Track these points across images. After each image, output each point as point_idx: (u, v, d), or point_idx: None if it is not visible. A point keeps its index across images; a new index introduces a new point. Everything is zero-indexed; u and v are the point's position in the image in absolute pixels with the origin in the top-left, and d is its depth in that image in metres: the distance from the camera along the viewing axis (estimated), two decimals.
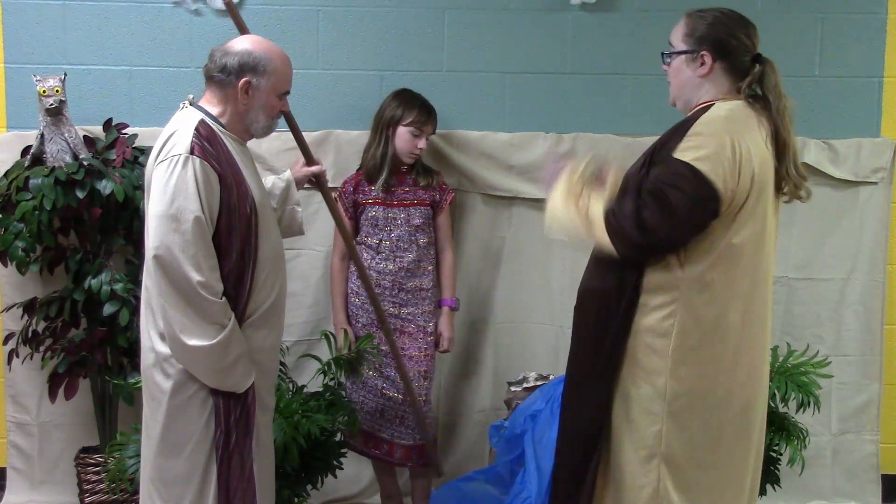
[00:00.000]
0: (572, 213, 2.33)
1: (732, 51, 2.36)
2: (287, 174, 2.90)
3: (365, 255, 3.42)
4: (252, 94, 2.50)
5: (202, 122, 2.47)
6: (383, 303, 3.36)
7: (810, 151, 3.72)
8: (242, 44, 2.52)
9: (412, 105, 3.40)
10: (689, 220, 2.23)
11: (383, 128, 3.41)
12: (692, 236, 2.26)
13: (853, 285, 3.81)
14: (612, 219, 2.27)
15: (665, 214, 2.22)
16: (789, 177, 2.38)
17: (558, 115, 3.74)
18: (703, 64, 2.37)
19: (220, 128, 2.51)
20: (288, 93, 2.61)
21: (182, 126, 2.45)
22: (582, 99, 3.74)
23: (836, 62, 3.74)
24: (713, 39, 2.36)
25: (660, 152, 2.30)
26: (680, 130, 2.29)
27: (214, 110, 2.52)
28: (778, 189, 2.41)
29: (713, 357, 2.31)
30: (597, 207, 2.31)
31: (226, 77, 2.49)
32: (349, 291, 3.48)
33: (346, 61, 3.70)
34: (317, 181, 2.96)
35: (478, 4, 3.69)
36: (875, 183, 3.77)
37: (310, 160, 2.94)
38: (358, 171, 3.50)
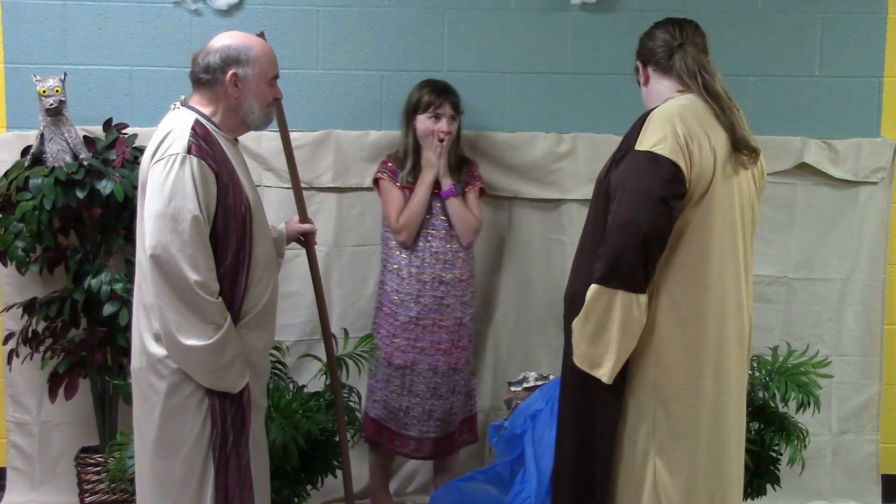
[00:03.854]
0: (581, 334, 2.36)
1: (653, 51, 2.47)
2: (281, 227, 2.90)
3: (402, 249, 3.44)
4: (241, 84, 2.50)
5: (197, 121, 2.46)
6: (423, 297, 3.41)
7: (810, 151, 3.72)
8: (220, 41, 2.52)
9: (424, 90, 3.43)
10: (663, 204, 2.25)
11: (406, 120, 3.47)
12: (672, 221, 2.28)
13: (853, 285, 3.81)
14: (599, 262, 2.28)
15: (642, 204, 2.24)
16: (739, 146, 2.38)
17: (558, 115, 3.74)
18: (640, 74, 2.51)
19: (214, 127, 2.50)
20: (277, 77, 2.60)
21: (178, 125, 2.44)
22: (582, 99, 3.74)
23: (836, 62, 3.74)
24: (641, 49, 2.52)
25: (620, 150, 2.36)
26: (637, 125, 2.36)
27: (206, 110, 2.52)
28: (743, 166, 2.41)
29: (696, 345, 2.33)
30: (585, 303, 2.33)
31: (212, 76, 2.49)
32: (389, 290, 3.48)
33: (346, 61, 3.70)
34: (305, 240, 2.96)
35: (478, 4, 3.69)
36: (875, 183, 3.77)
37: (303, 218, 2.95)
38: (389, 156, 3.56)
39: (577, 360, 2.36)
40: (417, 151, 3.45)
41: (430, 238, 3.43)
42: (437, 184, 3.42)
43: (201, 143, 2.41)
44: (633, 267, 2.24)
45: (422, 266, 3.42)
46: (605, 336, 2.28)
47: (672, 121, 2.30)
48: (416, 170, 3.44)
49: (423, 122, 3.41)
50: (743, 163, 2.39)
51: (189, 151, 2.38)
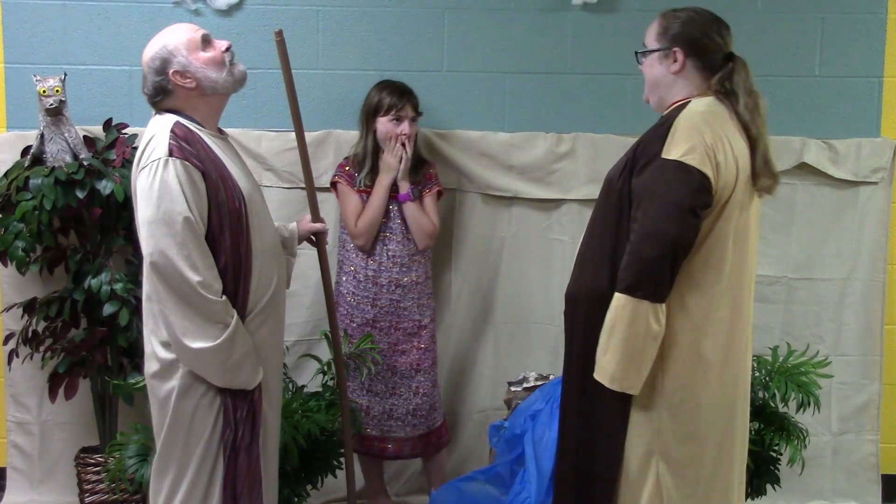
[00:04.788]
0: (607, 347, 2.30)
1: (704, 48, 2.39)
2: (292, 226, 2.89)
3: (359, 252, 3.45)
4: (187, 73, 2.48)
5: (177, 123, 2.46)
6: (380, 300, 3.41)
7: (810, 151, 3.72)
8: (144, 60, 2.51)
9: (384, 92, 3.43)
10: (692, 215, 2.23)
11: (365, 121, 3.47)
12: (698, 230, 2.26)
13: (853, 285, 3.81)
14: (625, 271, 2.25)
15: (672, 215, 2.21)
16: (761, 173, 2.38)
17: (558, 115, 3.74)
18: (675, 61, 2.40)
19: (196, 125, 2.49)
20: (206, 37, 2.53)
21: (159, 130, 2.44)
22: (582, 99, 3.74)
23: (836, 62, 3.74)
24: (685, 37, 2.40)
25: (643, 155, 2.31)
26: (661, 131, 2.32)
27: (183, 112, 2.52)
28: (765, 189, 2.42)
29: (706, 353, 2.32)
30: (609, 318, 2.29)
31: (164, 90, 2.49)
32: (345, 292, 3.49)
33: (346, 61, 3.70)
34: (317, 239, 2.95)
35: (478, 4, 3.69)
36: (875, 183, 3.77)
37: (315, 217, 2.94)
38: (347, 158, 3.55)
39: (600, 374, 2.31)
40: (376, 154, 3.44)
41: (387, 241, 3.43)
42: (394, 187, 3.42)
43: (182, 144, 2.41)
44: (661, 277, 2.23)
45: (378, 269, 3.42)
46: (630, 347, 2.25)
47: (700, 129, 2.27)
48: (374, 172, 3.43)
49: (384, 124, 3.40)
50: (766, 187, 2.39)
51: (171, 154, 2.38)
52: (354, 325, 3.45)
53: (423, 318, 3.49)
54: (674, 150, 2.25)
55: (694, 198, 2.23)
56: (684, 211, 2.22)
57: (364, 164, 3.45)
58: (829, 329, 3.82)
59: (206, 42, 2.53)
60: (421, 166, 3.50)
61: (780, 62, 3.72)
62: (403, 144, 3.38)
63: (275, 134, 3.68)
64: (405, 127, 3.39)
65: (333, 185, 3.52)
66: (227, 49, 2.55)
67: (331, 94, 3.71)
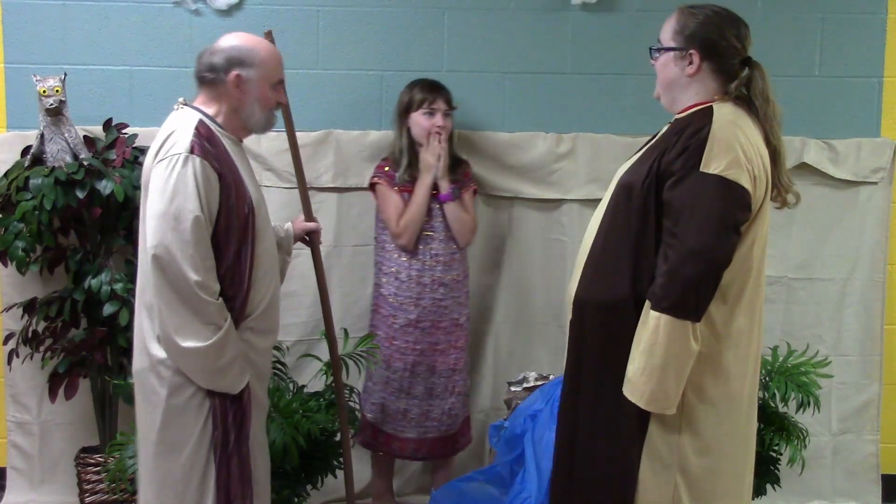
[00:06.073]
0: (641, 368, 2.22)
1: (721, 52, 2.30)
2: (288, 225, 2.90)
3: (401, 252, 3.43)
4: (243, 86, 2.49)
5: (201, 121, 2.46)
6: (423, 300, 3.42)
7: (810, 151, 3.72)
8: (228, 41, 2.52)
9: (416, 88, 3.44)
10: (735, 232, 2.19)
11: (399, 120, 3.48)
12: (736, 247, 2.22)
13: (853, 285, 3.81)
14: (665, 290, 2.17)
15: (717, 232, 2.16)
16: (781, 183, 2.35)
17: (558, 115, 3.74)
18: (690, 63, 2.31)
19: (218, 128, 2.50)
20: (282, 82, 2.59)
21: (181, 125, 2.44)
22: (582, 99, 3.74)
23: (836, 62, 3.74)
24: (703, 39, 2.30)
25: (678, 167, 2.21)
26: (695, 142, 2.21)
27: (209, 110, 2.51)
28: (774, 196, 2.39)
29: (727, 363, 2.28)
30: (642, 334, 2.22)
31: (216, 75, 2.48)
32: (386, 294, 3.47)
33: (346, 61, 3.70)
34: (310, 239, 2.96)
35: (478, 4, 3.69)
36: (875, 183, 3.77)
37: (308, 217, 2.96)
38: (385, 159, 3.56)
39: (635, 395, 2.23)
40: (412, 149, 3.44)
41: (429, 241, 3.43)
42: (433, 186, 3.42)
43: (204, 143, 2.41)
44: (704, 296, 2.18)
45: (422, 269, 3.42)
46: (671, 368, 2.18)
47: (740, 141, 2.20)
48: (413, 168, 3.43)
49: (418, 119, 3.41)
50: (784, 200, 2.36)
51: (192, 151, 2.38)
52: (397, 325, 3.44)
53: (461, 316, 3.51)
54: (713, 164, 2.17)
55: (736, 214, 2.18)
56: (727, 228, 2.16)
57: (401, 161, 3.45)
58: (829, 329, 3.82)
59: (278, 83, 2.57)
60: (458, 165, 3.51)
61: (780, 62, 3.71)
62: (439, 133, 3.37)
63: (275, 134, 3.64)
64: (438, 119, 3.39)
65: (372, 186, 3.50)
66: (280, 105, 2.62)
67: (331, 94, 3.71)
